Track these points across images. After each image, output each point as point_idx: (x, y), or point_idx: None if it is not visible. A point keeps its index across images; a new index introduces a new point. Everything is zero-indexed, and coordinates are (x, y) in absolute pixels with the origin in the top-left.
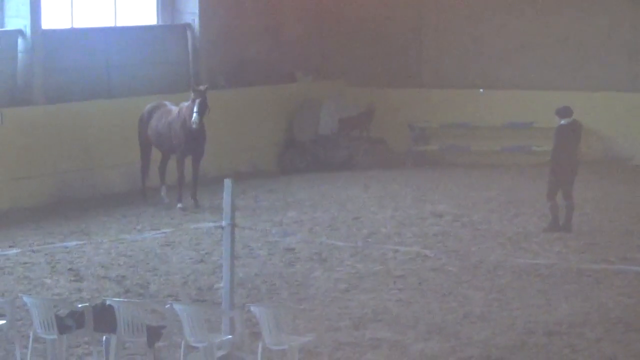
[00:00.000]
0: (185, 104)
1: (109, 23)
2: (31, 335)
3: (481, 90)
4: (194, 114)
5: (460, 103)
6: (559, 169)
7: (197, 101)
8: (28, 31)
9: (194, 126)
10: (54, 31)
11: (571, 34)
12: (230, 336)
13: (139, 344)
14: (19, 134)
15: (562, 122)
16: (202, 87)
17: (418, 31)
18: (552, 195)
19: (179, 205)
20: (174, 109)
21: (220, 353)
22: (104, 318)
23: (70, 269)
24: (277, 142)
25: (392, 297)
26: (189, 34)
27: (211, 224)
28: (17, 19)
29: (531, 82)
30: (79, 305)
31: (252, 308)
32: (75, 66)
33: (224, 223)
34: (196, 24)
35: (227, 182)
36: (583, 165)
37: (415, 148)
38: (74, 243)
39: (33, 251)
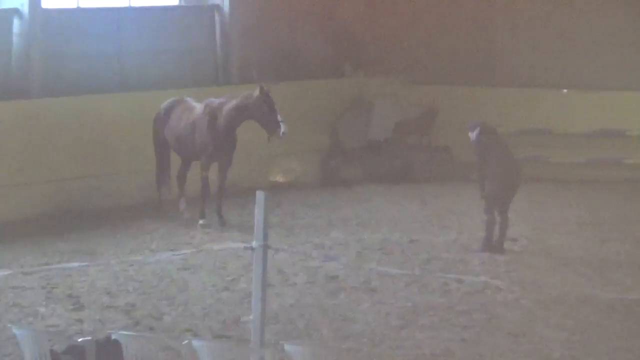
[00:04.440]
0: (216, 100)
1: (122, 2)
2: None
3: (564, 90)
4: (282, 123)
5: (539, 105)
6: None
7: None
8: (26, 10)
9: (280, 137)
10: (56, 11)
11: None
12: None
13: None
14: (12, 133)
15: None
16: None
17: (491, 21)
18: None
19: (201, 221)
20: (198, 107)
21: None
22: (109, 355)
23: (69, 296)
24: (320, 148)
25: (454, 336)
26: (217, 17)
27: (239, 245)
28: None
29: (624, 83)
30: (79, 340)
31: (286, 347)
32: (81, 53)
33: (254, 244)
34: (226, 5)
35: (260, 195)
36: None
37: None
38: (74, 264)
39: (26, 273)
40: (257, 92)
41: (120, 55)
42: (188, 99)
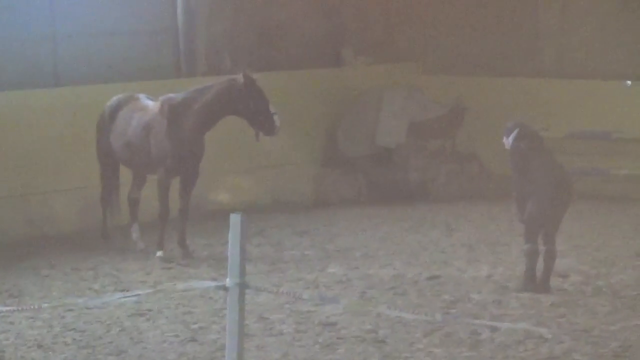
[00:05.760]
0: (177, 96)
1: None
2: None
3: (628, 82)
4: (275, 116)
5: (596, 102)
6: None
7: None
8: None
9: (275, 133)
10: None
11: None
12: None
13: None
14: None
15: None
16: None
17: None
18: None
19: (159, 253)
20: (153, 105)
21: None
22: None
23: None
24: (313, 157)
25: None
26: None
27: (208, 284)
28: None
29: None
30: None
31: None
32: (3, 37)
33: (228, 282)
34: None
35: (235, 219)
36: None
37: None
38: None
39: None
40: (241, 80)
41: (54, 40)
42: (140, 95)
